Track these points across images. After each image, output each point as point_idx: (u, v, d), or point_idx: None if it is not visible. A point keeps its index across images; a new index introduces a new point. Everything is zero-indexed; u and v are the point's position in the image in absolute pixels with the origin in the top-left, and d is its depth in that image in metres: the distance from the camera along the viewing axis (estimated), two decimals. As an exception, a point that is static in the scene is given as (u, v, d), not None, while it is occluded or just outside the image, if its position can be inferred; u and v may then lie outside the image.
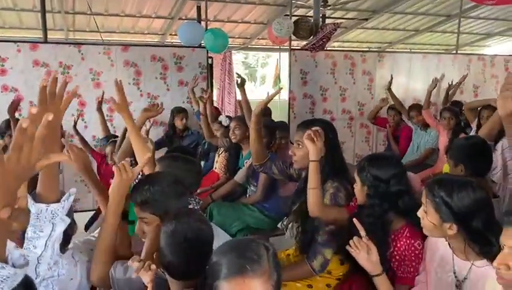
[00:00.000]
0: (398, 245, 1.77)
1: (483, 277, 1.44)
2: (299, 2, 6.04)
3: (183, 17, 6.34)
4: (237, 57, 13.55)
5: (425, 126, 4.48)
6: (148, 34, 7.22)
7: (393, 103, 4.91)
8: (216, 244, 1.33)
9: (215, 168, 3.91)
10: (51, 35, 5.10)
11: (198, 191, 3.26)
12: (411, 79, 5.88)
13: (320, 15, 5.56)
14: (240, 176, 3.45)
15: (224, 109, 7.97)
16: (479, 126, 3.36)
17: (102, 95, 4.06)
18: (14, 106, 3.50)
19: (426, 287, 1.70)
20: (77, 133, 4.09)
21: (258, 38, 7.92)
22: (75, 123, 4.11)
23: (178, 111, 4.51)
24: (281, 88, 2.86)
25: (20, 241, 1.30)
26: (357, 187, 1.88)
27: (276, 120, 4.18)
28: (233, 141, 3.50)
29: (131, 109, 2.28)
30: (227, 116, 4.10)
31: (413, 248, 1.73)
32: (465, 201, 1.44)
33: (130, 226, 1.75)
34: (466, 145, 2.36)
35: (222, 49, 5.08)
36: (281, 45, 6.42)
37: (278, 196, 3.28)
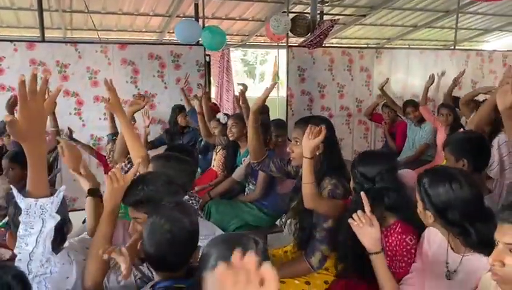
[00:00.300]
0: (390, 241, 1.78)
1: (476, 271, 1.45)
2: (296, -1, 6.04)
3: (181, 15, 6.32)
4: (236, 54, 13.52)
5: (419, 122, 4.48)
6: (146, 32, 7.20)
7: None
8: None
9: (213, 166, 3.92)
10: (49, 34, 5.10)
11: (196, 189, 3.28)
12: (409, 75, 5.88)
13: (318, 12, 5.55)
14: (237, 173, 3.45)
15: (222, 106, 7.97)
16: None
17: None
18: (13, 104, 3.49)
19: (423, 275, 1.71)
20: (75, 141, 4.04)
21: (257, 36, 7.90)
22: (71, 134, 4.06)
23: (180, 109, 4.50)
24: (276, 82, 2.86)
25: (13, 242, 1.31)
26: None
27: (274, 117, 4.18)
28: (231, 138, 3.50)
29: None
30: (225, 114, 4.10)
31: (404, 243, 1.74)
32: (441, 192, 1.50)
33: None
34: (469, 139, 2.33)
35: (219, 46, 5.08)
36: (279, 42, 6.42)
37: (276, 194, 3.28)
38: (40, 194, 1.27)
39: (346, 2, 6.61)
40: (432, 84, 4.40)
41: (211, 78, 7.53)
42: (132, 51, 4.63)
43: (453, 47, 6.64)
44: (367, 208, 1.61)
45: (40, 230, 1.28)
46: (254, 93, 3.29)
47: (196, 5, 5.14)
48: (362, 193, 1.65)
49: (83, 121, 4.49)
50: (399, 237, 1.76)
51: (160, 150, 3.73)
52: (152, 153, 2.54)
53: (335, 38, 8.40)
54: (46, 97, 1.24)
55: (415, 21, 8.01)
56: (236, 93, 6.22)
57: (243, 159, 3.48)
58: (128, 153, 2.30)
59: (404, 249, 1.74)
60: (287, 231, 2.25)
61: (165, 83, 4.76)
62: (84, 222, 3.49)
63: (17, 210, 1.29)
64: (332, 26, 5.07)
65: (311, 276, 2.07)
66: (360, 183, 1.86)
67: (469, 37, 9.20)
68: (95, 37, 5.65)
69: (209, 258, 1.12)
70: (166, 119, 4.67)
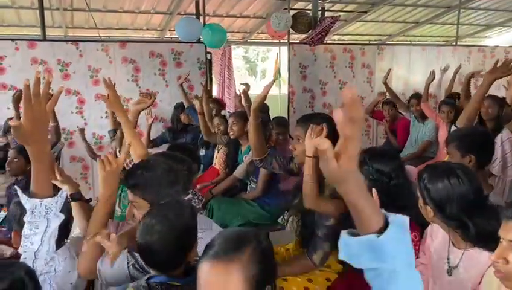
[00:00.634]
0: None
1: (477, 266, 1.45)
2: (298, -4, 6.02)
3: (182, 13, 6.31)
4: (238, 52, 13.53)
5: (423, 118, 4.47)
6: (147, 30, 7.20)
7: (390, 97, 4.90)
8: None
9: (215, 163, 3.92)
10: (50, 33, 5.10)
11: (198, 187, 3.28)
12: (411, 71, 5.86)
13: (319, 8, 5.54)
14: (239, 171, 3.46)
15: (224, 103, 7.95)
16: (480, 117, 3.35)
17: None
18: (18, 98, 3.50)
19: (426, 271, 1.71)
20: (86, 142, 4.07)
21: (258, 33, 7.89)
22: (82, 135, 4.09)
23: (183, 107, 4.48)
24: (275, 79, 2.85)
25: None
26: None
27: (275, 115, 4.18)
28: (232, 137, 3.50)
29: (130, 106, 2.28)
30: (228, 112, 4.10)
31: None
32: (440, 187, 1.51)
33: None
34: (476, 134, 2.32)
35: (220, 44, 5.07)
36: (280, 39, 6.40)
37: (278, 191, 3.29)
38: (45, 195, 1.30)
39: (347, -1, 6.60)
40: (432, 80, 4.39)
41: (212, 76, 7.52)
42: (133, 49, 4.63)
43: (455, 43, 6.61)
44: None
45: (45, 229, 1.31)
46: (256, 91, 3.30)
47: (197, 3, 5.13)
48: (374, 191, 1.64)
49: (84, 119, 4.49)
50: None
51: (163, 148, 3.73)
52: (154, 151, 2.54)
53: (336, 35, 8.38)
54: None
55: (416, 17, 7.98)
56: (238, 92, 6.23)
57: (244, 157, 3.49)
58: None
59: None
60: (289, 228, 2.24)
61: (166, 81, 4.76)
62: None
63: (22, 210, 1.30)
64: (334, 23, 5.06)
65: (313, 273, 2.06)
66: (377, 180, 1.82)
67: (471, 33, 9.16)
68: (96, 35, 5.65)
69: (206, 249, 1.10)
70: (167, 117, 4.67)
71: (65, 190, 1.36)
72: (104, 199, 1.55)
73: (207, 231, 1.64)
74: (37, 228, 1.30)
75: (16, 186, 1.46)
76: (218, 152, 3.90)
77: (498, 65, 2.34)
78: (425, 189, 1.55)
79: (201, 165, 3.74)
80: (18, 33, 6.46)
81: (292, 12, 5.29)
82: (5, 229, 2.64)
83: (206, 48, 4.93)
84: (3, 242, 2.28)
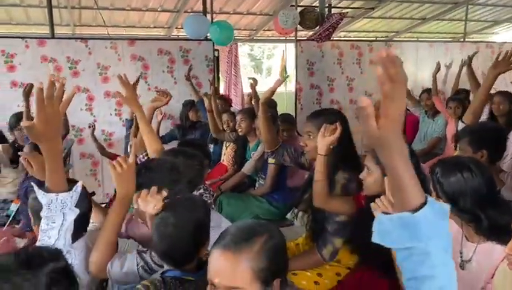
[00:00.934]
0: None
1: (489, 259, 1.46)
2: (304, -8, 6.01)
3: (189, 10, 6.32)
4: (243, 49, 13.51)
5: (433, 114, 4.47)
6: (155, 27, 7.22)
7: None
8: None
9: (223, 160, 3.94)
10: (58, 31, 5.12)
11: (207, 183, 3.30)
12: (419, 68, 5.85)
13: (326, 5, 5.53)
14: (247, 167, 3.48)
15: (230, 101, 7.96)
16: (491, 113, 3.33)
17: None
18: (29, 91, 3.53)
19: None
20: (95, 138, 4.08)
21: (264, 30, 7.88)
22: (93, 131, 4.10)
23: (192, 104, 4.49)
24: (284, 79, 2.85)
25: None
26: (371, 177, 1.82)
27: (283, 112, 4.19)
28: (240, 133, 3.53)
29: (140, 103, 2.31)
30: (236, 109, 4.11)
31: None
32: (453, 180, 1.51)
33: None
34: (488, 130, 2.31)
35: (228, 41, 5.08)
36: (287, 36, 6.40)
37: (286, 187, 3.31)
38: (60, 190, 1.33)
39: (354, -5, 6.58)
40: (438, 71, 4.40)
41: (219, 74, 7.53)
42: (141, 47, 4.65)
43: (462, 39, 6.58)
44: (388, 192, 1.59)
45: (62, 223, 1.34)
46: (261, 88, 3.30)
47: (204, 0, 5.14)
48: (385, 178, 1.62)
49: (94, 116, 4.52)
50: None
51: (172, 145, 3.75)
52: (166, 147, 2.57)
53: (343, 31, 8.35)
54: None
55: (424, 13, 7.94)
56: (245, 89, 6.23)
57: (252, 153, 3.51)
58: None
59: None
60: (299, 223, 2.25)
61: (174, 78, 4.78)
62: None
63: (40, 205, 1.33)
64: (341, 20, 5.05)
65: (323, 268, 2.08)
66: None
67: (478, 29, 9.10)
68: (104, 33, 5.68)
69: (220, 237, 1.13)
70: (176, 114, 4.69)
71: (80, 185, 1.38)
72: (119, 199, 1.57)
73: (215, 229, 1.65)
74: (54, 223, 1.33)
75: (32, 182, 1.49)
76: (226, 149, 3.92)
77: (500, 59, 2.35)
78: (438, 183, 1.56)
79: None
80: (26, 31, 6.50)
81: (299, 9, 5.28)
82: (20, 224, 2.69)
83: (214, 45, 4.94)
84: (18, 235, 2.34)
